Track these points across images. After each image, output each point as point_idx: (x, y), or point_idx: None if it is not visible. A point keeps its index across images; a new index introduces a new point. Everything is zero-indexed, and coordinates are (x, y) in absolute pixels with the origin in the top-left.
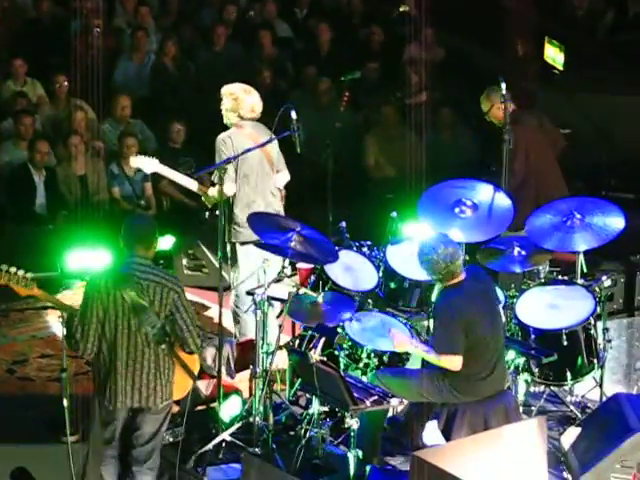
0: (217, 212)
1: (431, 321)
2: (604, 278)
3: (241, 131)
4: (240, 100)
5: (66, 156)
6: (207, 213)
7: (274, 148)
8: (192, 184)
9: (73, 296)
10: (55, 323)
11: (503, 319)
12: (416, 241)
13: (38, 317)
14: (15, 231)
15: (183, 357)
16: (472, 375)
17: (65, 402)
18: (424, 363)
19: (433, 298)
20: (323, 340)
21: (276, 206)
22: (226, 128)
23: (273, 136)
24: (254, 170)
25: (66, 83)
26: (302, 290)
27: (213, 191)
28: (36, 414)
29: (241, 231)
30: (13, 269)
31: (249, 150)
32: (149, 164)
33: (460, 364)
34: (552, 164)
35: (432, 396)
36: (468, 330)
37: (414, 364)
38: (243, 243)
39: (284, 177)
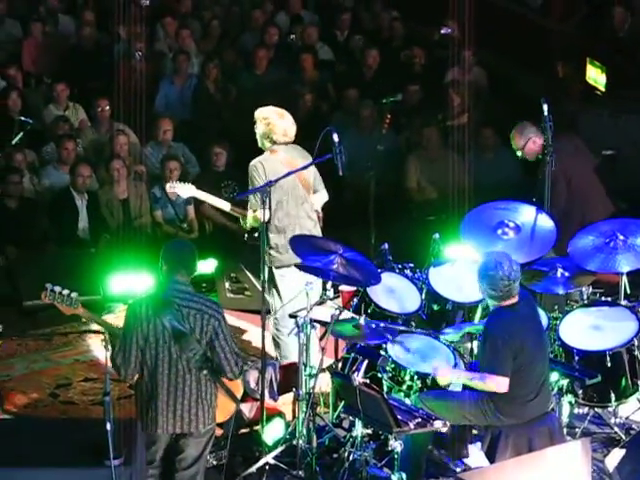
0: (256, 234)
1: (474, 343)
2: None
3: (274, 156)
4: (273, 125)
5: (108, 180)
6: (245, 236)
7: (310, 170)
8: (228, 207)
9: (115, 320)
10: (98, 347)
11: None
12: (459, 263)
13: (81, 341)
14: (58, 255)
15: (226, 381)
16: (518, 398)
17: (108, 426)
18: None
19: (476, 320)
20: (366, 362)
21: (313, 230)
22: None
23: (310, 159)
24: (288, 195)
25: (108, 107)
26: (345, 312)
27: (250, 216)
28: (79, 438)
29: (276, 256)
30: (58, 288)
31: (288, 175)
32: (185, 189)
33: (507, 386)
34: (595, 185)
35: (476, 418)
36: (518, 353)
37: (457, 386)
38: (279, 267)
39: (322, 197)
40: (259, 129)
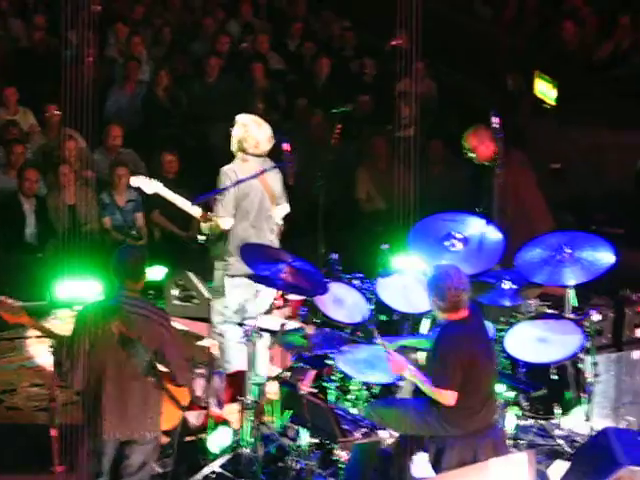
0: (208, 239)
1: (419, 354)
2: (593, 313)
3: (246, 165)
4: (248, 132)
5: (56, 185)
6: (199, 239)
7: (277, 182)
8: (192, 208)
9: (62, 325)
10: (44, 353)
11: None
12: (407, 274)
13: (27, 346)
14: (4, 260)
15: (172, 389)
16: (465, 409)
17: (53, 432)
18: (415, 394)
19: (422, 331)
20: (314, 372)
21: (273, 243)
22: (220, 158)
23: (279, 174)
24: (255, 207)
25: (57, 112)
26: (293, 322)
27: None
28: (24, 444)
29: (235, 264)
30: (1, 297)
31: (243, 180)
32: (150, 185)
33: (454, 400)
34: (540, 199)
35: (420, 428)
36: (468, 366)
37: (404, 396)
38: (234, 276)
39: (283, 210)
40: (236, 133)
